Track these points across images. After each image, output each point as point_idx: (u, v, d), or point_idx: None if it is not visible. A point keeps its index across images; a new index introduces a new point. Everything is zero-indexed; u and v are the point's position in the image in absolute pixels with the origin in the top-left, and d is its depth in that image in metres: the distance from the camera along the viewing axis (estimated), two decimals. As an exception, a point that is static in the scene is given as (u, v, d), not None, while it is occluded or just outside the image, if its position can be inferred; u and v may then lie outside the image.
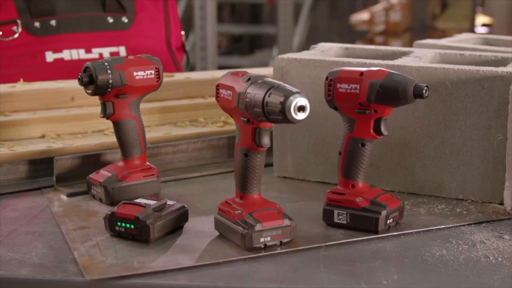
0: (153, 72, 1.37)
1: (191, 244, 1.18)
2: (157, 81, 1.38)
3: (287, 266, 1.11)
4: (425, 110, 1.37)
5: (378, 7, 5.41)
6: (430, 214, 1.30)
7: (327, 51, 1.55)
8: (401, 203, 1.25)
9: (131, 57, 1.37)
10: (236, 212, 1.16)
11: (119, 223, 1.19)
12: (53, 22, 1.91)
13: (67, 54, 1.91)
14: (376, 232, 1.20)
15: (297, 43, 5.90)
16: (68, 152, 1.52)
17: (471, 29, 5.24)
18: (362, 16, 5.49)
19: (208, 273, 1.08)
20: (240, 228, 1.14)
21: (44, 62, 1.88)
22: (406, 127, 1.39)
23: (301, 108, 1.05)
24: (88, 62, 1.33)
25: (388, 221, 1.21)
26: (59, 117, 1.63)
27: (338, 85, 1.21)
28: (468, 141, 1.34)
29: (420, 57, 1.45)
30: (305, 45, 6.29)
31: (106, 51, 1.94)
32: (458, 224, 1.26)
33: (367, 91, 1.18)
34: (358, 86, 1.19)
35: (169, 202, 1.24)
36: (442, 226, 1.24)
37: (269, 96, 1.07)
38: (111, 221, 1.20)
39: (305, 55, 1.49)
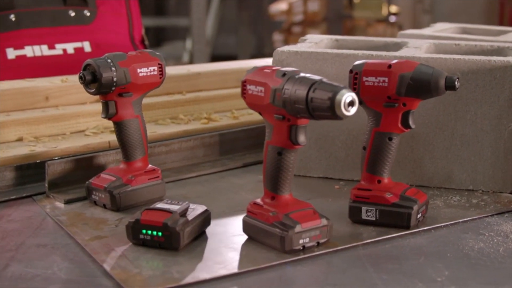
0: (156, 68, 1.30)
1: (223, 250, 1.12)
2: (160, 77, 1.31)
3: (332, 267, 1.07)
4: (434, 102, 1.35)
5: (296, -3, 5.42)
6: (449, 207, 1.29)
7: (319, 43, 1.52)
8: (427, 197, 1.23)
9: (132, 52, 1.29)
10: (271, 213, 1.11)
11: (144, 231, 1.11)
12: (12, 17, 1.78)
13: (29, 51, 1.79)
14: (408, 228, 1.18)
15: (210, 35, 5.83)
16: (53, 155, 1.42)
17: (386, 18, 5.34)
18: (281, 6, 5.49)
19: (255, 279, 1.03)
20: (277, 230, 1.09)
21: (5, 59, 1.76)
22: (415, 120, 1.36)
23: (351, 103, 1.01)
24: (89, 59, 1.24)
25: (418, 216, 1.19)
26: (35, 118, 1.52)
27: (365, 78, 1.18)
28: (479, 131, 1.34)
29: (420, 48, 1.43)
30: (217, 37, 6.25)
31: (70, 47, 1.83)
32: (481, 216, 1.25)
33: (396, 84, 1.15)
34: (386, 79, 1.16)
35: (191, 206, 1.17)
36: (468, 218, 1.24)
37: (313, 91, 1.02)
38: (135, 229, 1.12)
39: (303, 47, 1.45)
